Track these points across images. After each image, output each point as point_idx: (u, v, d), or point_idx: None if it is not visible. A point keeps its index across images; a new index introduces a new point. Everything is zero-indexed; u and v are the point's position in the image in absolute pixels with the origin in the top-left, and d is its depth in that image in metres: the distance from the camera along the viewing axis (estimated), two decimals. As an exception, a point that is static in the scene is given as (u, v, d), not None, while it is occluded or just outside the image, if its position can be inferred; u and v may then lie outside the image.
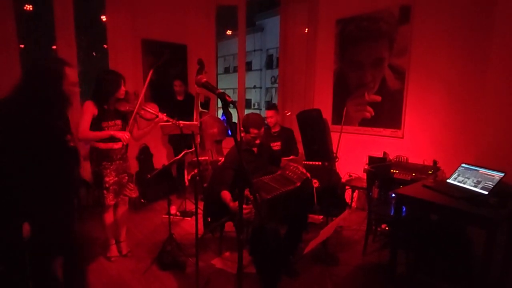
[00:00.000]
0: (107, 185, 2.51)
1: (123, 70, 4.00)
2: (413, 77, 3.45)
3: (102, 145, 2.49)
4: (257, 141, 2.51)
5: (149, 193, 4.15)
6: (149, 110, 2.62)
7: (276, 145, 3.62)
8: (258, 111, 17.79)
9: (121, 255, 2.74)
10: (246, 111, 4.05)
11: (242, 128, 2.51)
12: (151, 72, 2.76)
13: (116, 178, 2.57)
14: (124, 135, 2.45)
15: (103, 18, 4.11)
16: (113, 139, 2.49)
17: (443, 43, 3.18)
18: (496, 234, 1.86)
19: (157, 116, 2.62)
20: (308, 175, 2.42)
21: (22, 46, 3.91)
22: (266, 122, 3.77)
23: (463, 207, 1.98)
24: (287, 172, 2.43)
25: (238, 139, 2.61)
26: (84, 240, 1.86)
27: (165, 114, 2.67)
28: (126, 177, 2.66)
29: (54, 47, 3.81)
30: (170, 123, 2.63)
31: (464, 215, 1.99)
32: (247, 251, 2.70)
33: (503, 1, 2.34)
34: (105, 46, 4.16)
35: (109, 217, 2.65)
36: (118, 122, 2.55)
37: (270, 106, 3.75)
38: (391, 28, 3.55)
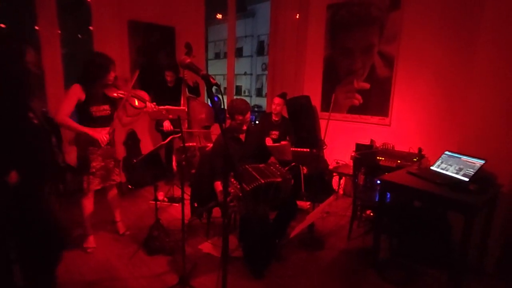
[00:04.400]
0: (93, 170, 2.48)
1: (109, 52, 3.86)
2: (402, 65, 3.46)
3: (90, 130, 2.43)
4: (244, 127, 2.50)
5: (137, 179, 4.11)
6: (138, 97, 2.58)
7: (274, 134, 3.63)
8: (248, 98, 17.68)
9: (119, 235, 2.82)
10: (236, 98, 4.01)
11: (227, 115, 2.50)
12: (137, 72, 2.68)
13: (103, 163, 2.53)
14: (103, 138, 2.39)
15: (88, -3, 3.95)
16: (101, 123, 2.45)
17: (432, 31, 3.19)
18: (474, 219, 1.92)
19: (145, 106, 2.57)
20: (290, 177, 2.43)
21: (2, 26, 3.75)
22: (271, 109, 3.77)
23: (444, 193, 2.03)
24: (271, 167, 2.43)
25: (227, 125, 2.61)
26: (63, 226, 1.83)
27: (154, 104, 2.61)
28: (113, 162, 2.62)
29: (37, 27, 3.65)
30: (162, 111, 2.59)
31: (445, 201, 2.05)
32: (236, 236, 2.74)
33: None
34: (90, 27, 4.01)
35: (88, 204, 2.55)
36: (106, 107, 2.50)
37: (281, 94, 3.77)
38: (382, 14, 3.53)
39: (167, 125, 3.60)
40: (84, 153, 2.46)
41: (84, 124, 2.42)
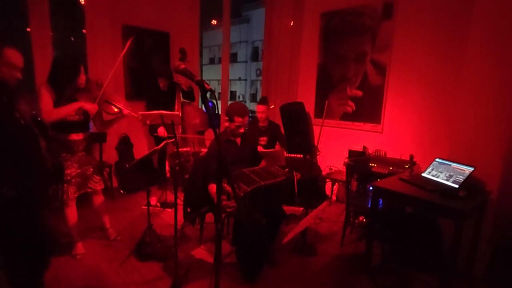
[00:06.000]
0: (68, 178, 2.37)
1: (102, 56, 3.91)
2: (394, 73, 3.53)
3: (61, 136, 2.34)
4: (241, 130, 2.50)
5: (129, 184, 4.08)
6: (112, 104, 2.46)
7: (263, 140, 3.63)
8: (242, 103, 17.76)
9: (110, 240, 2.78)
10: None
11: (226, 118, 2.50)
12: (121, 56, 2.61)
13: (79, 170, 2.42)
14: (93, 108, 2.33)
15: (81, 0, 3.93)
16: (73, 129, 2.35)
17: (423, 40, 3.26)
18: (464, 225, 1.95)
19: (120, 112, 2.48)
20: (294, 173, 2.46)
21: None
22: (256, 116, 3.76)
23: (435, 199, 2.06)
24: (271, 168, 2.44)
25: (221, 130, 2.61)
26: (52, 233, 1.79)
27: (130, 110, 2.51)
28: (91, 169, 2.52)
29: (28, 29, 3.62)
30: (138, 116, 2.51)
31: (436, 207, 2.08)
32: (229, 241, 2.72)
33: (481, 2, 2.41)
34: (83, 30, 3.99)
35: (71, 213, 2.47)
36: (79, 111, 2.38)
37: (261, 100, 3.70)
38: (375, 23, 3.60)
39: (161, 131, 3.58)
40: (57, 161, 2.33)
41: (55, 131, 2.33)
